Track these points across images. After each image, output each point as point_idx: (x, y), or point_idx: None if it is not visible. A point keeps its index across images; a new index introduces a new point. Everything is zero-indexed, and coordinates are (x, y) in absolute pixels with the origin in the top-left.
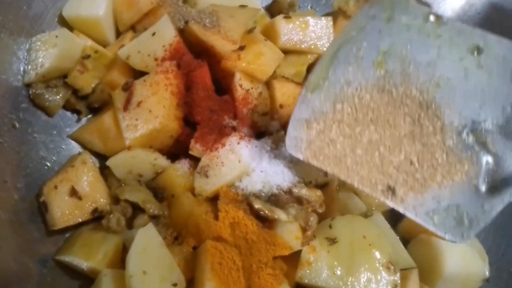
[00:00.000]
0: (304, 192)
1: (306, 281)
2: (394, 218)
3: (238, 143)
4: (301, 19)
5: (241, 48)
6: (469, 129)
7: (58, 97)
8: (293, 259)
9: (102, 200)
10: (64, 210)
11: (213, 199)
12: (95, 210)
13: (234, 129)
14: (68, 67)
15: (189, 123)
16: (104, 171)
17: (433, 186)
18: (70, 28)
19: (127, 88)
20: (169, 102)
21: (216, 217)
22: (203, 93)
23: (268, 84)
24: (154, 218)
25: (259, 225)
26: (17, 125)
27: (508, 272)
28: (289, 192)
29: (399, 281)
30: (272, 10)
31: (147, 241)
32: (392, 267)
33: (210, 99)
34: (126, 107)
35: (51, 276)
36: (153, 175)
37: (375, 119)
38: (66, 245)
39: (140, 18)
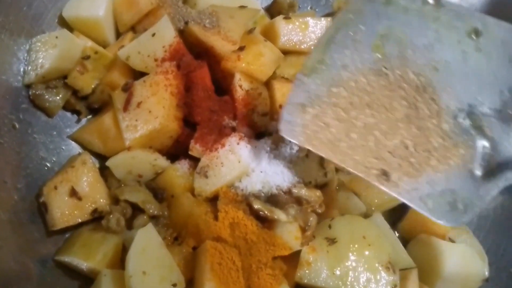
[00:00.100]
0: (303, 192)
1: (305, 281)
2: (394, 218)
3: (238, 144)
4: (300, 20)
5: (241, 48)
6: (466, 113)
7: (58, 97)
8: (293, 259)
9: (102, 200)
10: (64, 211)
11: (213, 200)
12: (95, 211)
13: (233, 129)
14: (68, 68)
15: (189, 124)
16: (104, 171)
17: (428, 170)
18: (70, 28)
19: (127, 89)
20: (169, 102)
21: (216, 218)
22: (203, 93)
23: (268, 84)
24: (153, 218)
25: (258, 226)
26: (17, 126)
27: (507, 272)
28: (289, 192)
29: (398, 281)
30: (271, 11)
31: (147, 242)
32: (392, 267)
33: (209, 100)
34: (126, 108)
35: (51, 276)
36: (153, 176)
37: (371, 103)
38: (66, 245)
39: (140, 19)
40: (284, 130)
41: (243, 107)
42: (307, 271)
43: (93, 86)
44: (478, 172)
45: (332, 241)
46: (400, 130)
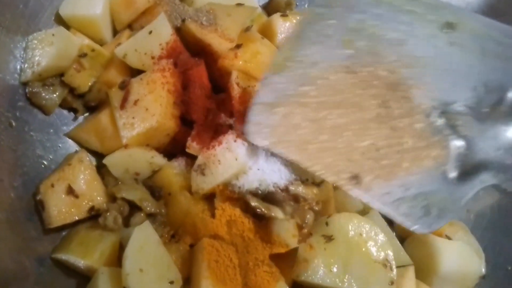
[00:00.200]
0: (300, 190)
1: (302, 278)
2: None
3: (235, 141)
4: (298, 18)
5: (238, 46)
6: (440, 111)
7: (54, 95)
8: (290, 256)
9: (98, 198)
10: (60, 209)
11: (210, 197)
12: (91, 209)
13: (231, 127)
14: (65, 66)
15: (186, 122)
16: (101, 169)
17: (401, 173)
18: (67, 26)
19: (124, 87)
20: (166, 100)
21: (213, 215)
22: (200, 91)
23: None
24: (151, 216)
25: (255, 223)
26: (13, 124)
27: (504, 270)
28: (286, 190)
29: (395, 278)
30: (269, 9)
31: (144, 239)
32: (389, 265)
33: (207, 98)
34: (123, 106)
35: (48, 274)
36: (150, 174)
37: (341, 102)
38: (63, 243)
39: (137, 17)
40: (251, 133)
41: (240, 105)
42: (304, 269)
43: (90, 84)
44: (453, 174)
45: (329, 238)
46: (372, 130)
